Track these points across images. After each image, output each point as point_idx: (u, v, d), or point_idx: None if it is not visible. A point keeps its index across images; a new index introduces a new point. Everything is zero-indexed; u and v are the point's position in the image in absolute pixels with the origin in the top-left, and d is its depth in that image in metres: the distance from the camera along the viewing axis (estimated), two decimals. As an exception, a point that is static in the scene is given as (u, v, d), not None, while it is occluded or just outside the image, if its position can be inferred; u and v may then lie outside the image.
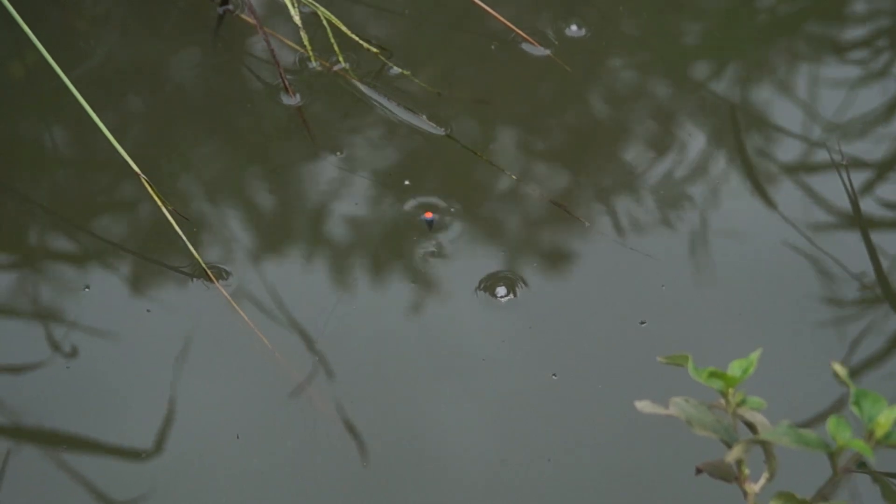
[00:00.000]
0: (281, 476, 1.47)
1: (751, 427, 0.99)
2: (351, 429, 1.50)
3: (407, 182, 1.71)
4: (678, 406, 0.98)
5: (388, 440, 1.49)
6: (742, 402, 0.98)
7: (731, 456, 0.98)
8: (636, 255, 1.65)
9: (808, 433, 0.97)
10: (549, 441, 1.49)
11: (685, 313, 1.60)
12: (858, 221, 1.69)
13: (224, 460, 1.48)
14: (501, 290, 1.61)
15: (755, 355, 0.97)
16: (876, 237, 1.67)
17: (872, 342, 1.58)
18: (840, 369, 0.99)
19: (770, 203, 1.71)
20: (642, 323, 1.58)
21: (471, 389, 1.54)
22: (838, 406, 1.52)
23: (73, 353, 1.56)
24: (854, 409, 0.98)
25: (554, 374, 1.53)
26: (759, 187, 1.72)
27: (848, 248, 1.66)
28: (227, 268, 1.63)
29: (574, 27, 1.87)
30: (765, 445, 1.00)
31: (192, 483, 1.46)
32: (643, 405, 0.97)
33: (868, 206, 1.70)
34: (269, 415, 1.51)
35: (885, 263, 1.65)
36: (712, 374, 0.96)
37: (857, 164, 1.75)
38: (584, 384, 1.54)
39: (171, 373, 1.54)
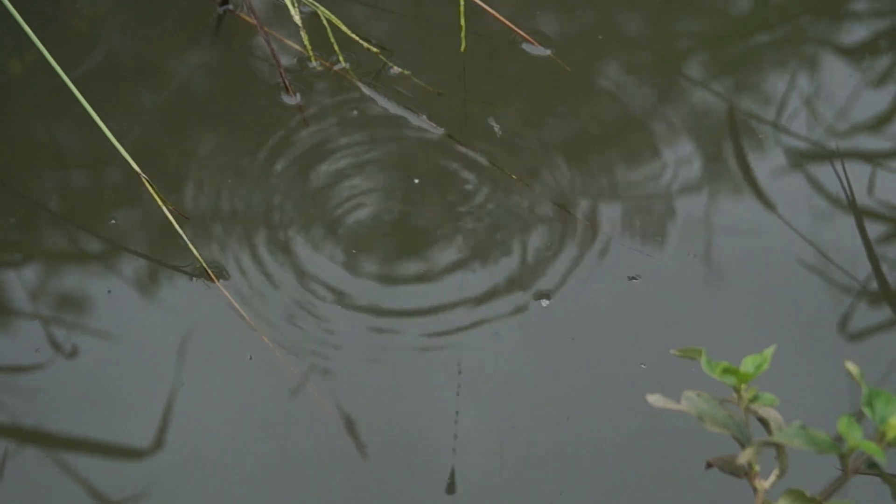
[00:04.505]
0: (281, 475, 1.47)
1: (763, 423, 0.99)
2: (351, 427, 1.50)
3: (416, 181, 1.71)
4: (690, 401, 0.98)
5: (389, 438, 1.49)
6: (755, 398, 0.98)
7: (744, 458, 0.97)
8: (638, 256, 1.65)
9: (820, 434, 0.96)
10: (552, 434, 1.49)
11: (689, 314, 1.60)
12: (860, 223, 1.69)
13: (224, 459, 1.47)
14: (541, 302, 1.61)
15: (769, 351, 0.97)
16: (878, 242, 1.68)
17: (879, 347, 1.58)
18: (853, 368, 0.99)
19: (775, 207, 1.71)
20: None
21: (475, 394, 1.54)
22: (845, 407, 1.52)
23: (74, 353, 1.55)
24: (866, 409, 0.97)
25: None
26: (765, 193, 1.72)
27: (854, 252, 1.66)
28: (227, 267, 1.62)
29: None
30: (776, 444, 1.00)
31: (191, 482, 1.46)
32: (655, 399, 0.96)
33: (872, 209, 1.71)
34: (269, 413, 1.51)
35: (884, 267, 1.65)
36: (726, 370, 0.96)
37: (861, 167, 1.76)
38: (593, 381, 1.54)
39: (172, 372, 1.53)
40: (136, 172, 1.60)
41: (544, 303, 1.60)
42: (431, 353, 1.56)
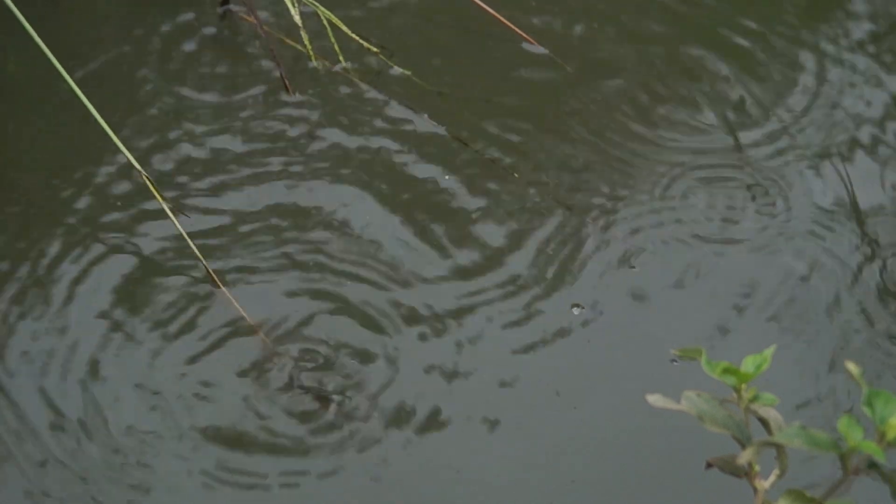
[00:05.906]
0: (281, 479, 1.47)
1: (763, 423, 0.99)
2: (352, 427, 1.50)
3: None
4: (690, 401, 0.98)
5: (392, 439, 1.49)
6: (755, 398, 0.98)
7: (744, 458, 0.98)
8: (640, 254, 1.66)
9: (820, 434, 0.96)
10: (552, 433, 1.49)
11: (690, 316, 1.61)
12: (857, 218, 1.69)
13: (223, 464, 1.47)
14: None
15: (769, 351, 0.97)
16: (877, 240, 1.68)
17: (879, 347, 1.58)
18: (854, 368, 0.99)
19: (776, 208, 1.71)
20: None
21: (476, 393, 1.54)
22: (845, 407, 1.52)
23: (72, 353, 1.55)
24: (866, 409, 0.97)
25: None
26: (764, 192, 1.73)
27: (854, 251, 1.66)
28: (228, 267, 1.62)
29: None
30: (776, 444, 1.00)
31: (191, 482, 1.46)
32: (655, 399, 0.96)
33: (873, 207, 1.71)
34: (269, 415, 1.51)
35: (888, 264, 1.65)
36: (726, 370, 0.96)
37: (863, 164, 1.76)
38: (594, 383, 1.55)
39: (171, 372, 1.53)
40: (138, 171, 1.60)
41: (576, 311, 1.60)
42: (433, 354, 1.56)
